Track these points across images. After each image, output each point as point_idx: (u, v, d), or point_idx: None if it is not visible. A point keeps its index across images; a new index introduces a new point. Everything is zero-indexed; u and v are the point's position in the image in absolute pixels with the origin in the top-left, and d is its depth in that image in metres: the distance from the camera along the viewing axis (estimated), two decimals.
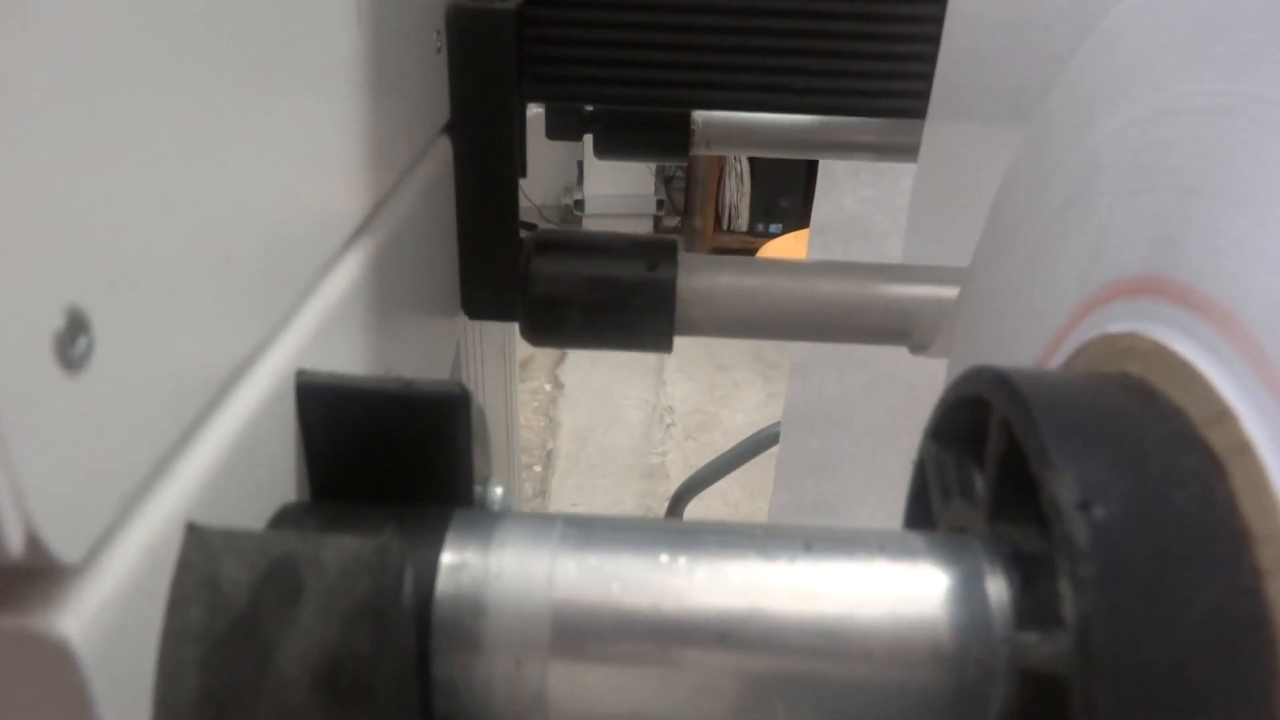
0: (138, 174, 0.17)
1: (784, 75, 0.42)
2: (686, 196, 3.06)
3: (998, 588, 0.21)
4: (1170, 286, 0.23)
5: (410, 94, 0.34)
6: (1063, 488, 0.18)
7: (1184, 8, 0.24)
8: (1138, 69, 0.26)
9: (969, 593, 0.21)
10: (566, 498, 1.97)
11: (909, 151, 0.60)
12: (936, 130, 0.41)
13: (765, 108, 0.43)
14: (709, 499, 1.52)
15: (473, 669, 0.22)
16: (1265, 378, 0.18)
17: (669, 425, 2.23)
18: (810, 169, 2.72)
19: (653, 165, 2.88)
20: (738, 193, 2.93)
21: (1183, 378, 0.21)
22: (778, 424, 1.02)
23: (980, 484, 0.24)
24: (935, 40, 0.40)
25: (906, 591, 0.21)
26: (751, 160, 2.88)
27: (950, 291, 0.42)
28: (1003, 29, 0.39)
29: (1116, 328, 0.24)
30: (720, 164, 2.89)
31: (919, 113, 0.42)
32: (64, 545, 0.15)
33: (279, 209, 0.23)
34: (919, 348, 0.44)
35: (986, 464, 0.23)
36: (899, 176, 0.79)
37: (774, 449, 1.04)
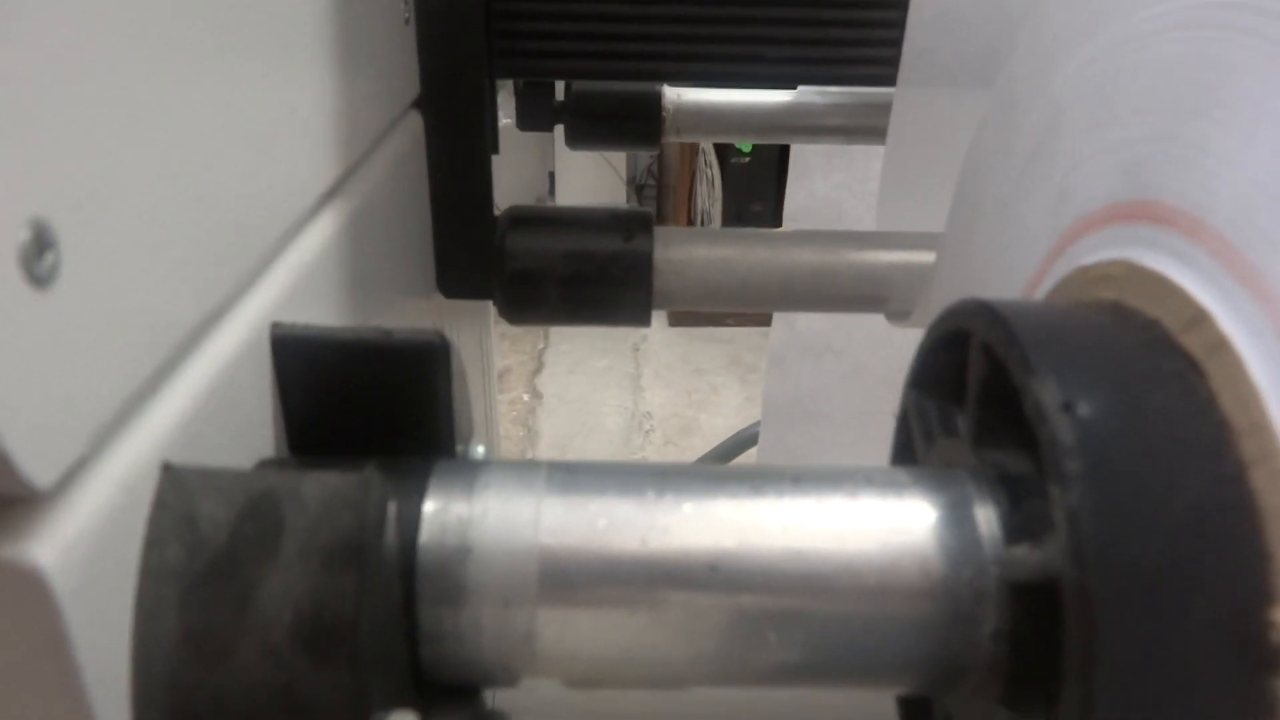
0: (108, 99, 0.16)
1: (755, 45, 0.42)
2: (659, 204, 3.06)
3: (986, 513, 0.21)
4: (1137, 208, 0.23)
5: (378, 64, 0.34)
6: (1045, 391, 0.18)
7: None
8: (1094, 6, 0.26)
9: (956, 518, 0.21)
10: None
11: (880, 134, 0.60)
12: (907, 96, 0.41)
13: (737, 80, 0.43)
14: None
15: (459, 615, 0.21)
16: (1238, 274, 0.19)
17: (648, 431, 2.23)
18: (780, 173, 2.73)
19: (624, 174, 2.88)
20: (709, 198, 2.94)
21: (1156, 290, 0.21)
22: (756, 424, 1.02)
23: (963, 422, 0.24)
24: (904, 6, 0.40)
25: (894, 520, 0.21)
26: (722, 166, 2.89)
27: (925, 256, 0.43)
28: None
29: (1090, 259, 0.24)
30: (691, 170, 2.90)
31: (889, 80, 0.42)
32: (36, 469, 0.15)
33: (248, 157, 0.23)
34: (896, 315, 0.44)
35: (968, 390, 0.23)
36: (870, 160, 0.80)
37: (753, 450, 1.04)
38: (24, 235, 0.14)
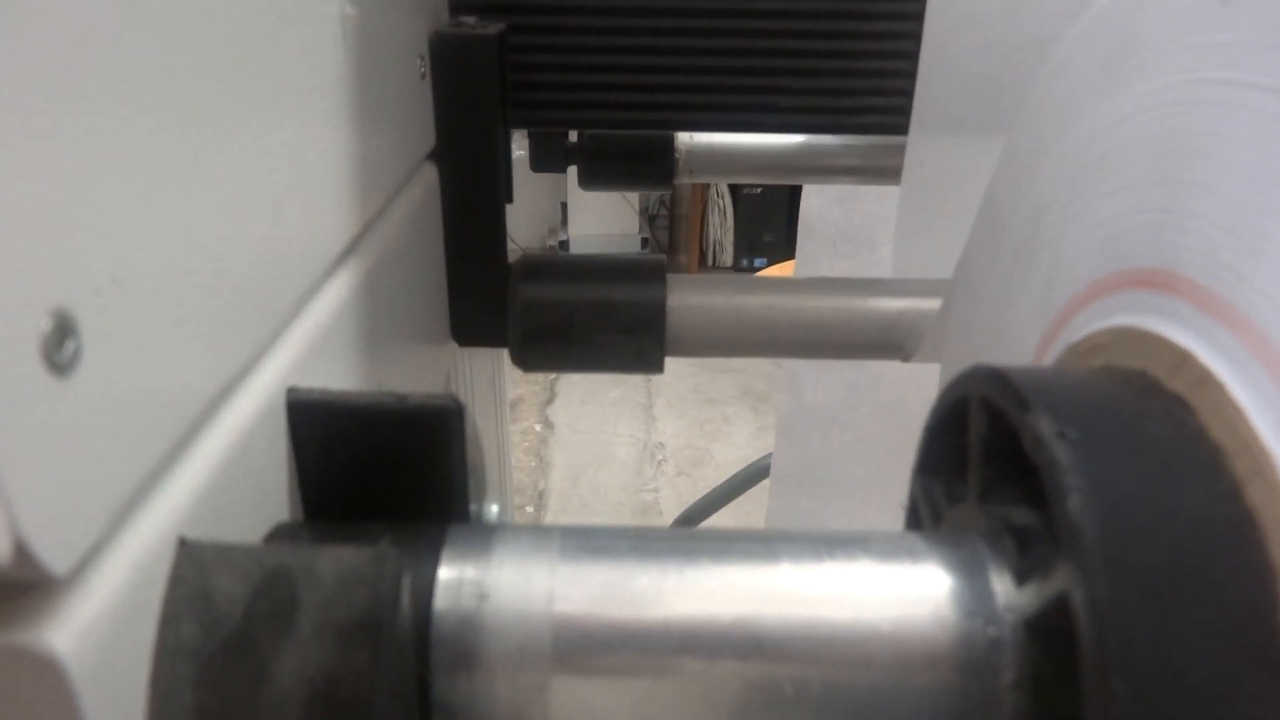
0: (126, 181, 0.17)
1: (766, 95, 0.42)
2: (671, 234, 3.07)
3: (996, 564, 0.21)
4: (1115, 279, 0.24)
5: (394, 120, 0.34)
6: (1041, 422, 0.19)
7: (1109, 30, 0.25)
8: (1062, 107, 0.28)
9: (968, 572, 0.21)
10: None
11: (891, 174, 0.61)
12: (919, 144, 0.41)
13: (749, 128, 0.43)
14: None
15: (473, 686, 0.21)
16: (1214, 313, 0.20)
17: (660, 462, 2.22)
18: (792, 204, 2.74)
19: (636, 204, 2.90)
20: (721, 228, 2.95)
21: (1140, 345, 0.22)
22: (768, 456, 1.01)
23: (969, 484, 0.24)
24: (914, 56, 0.40)
25: (909, 581, 0.21)
26: (734, 196, 2.90)
27: (938, 303, 0.42)
28: (980, 40, 0.39)
29: (1078, 335, 0.25)
30: (704, 200, 2.91)
31: (901, 129, 0.42)
32: (53, 556, 0.15)
33: (266, 225, 0.23)
34: (909, 358, 0.44)
35: (970, 449, 0.23)
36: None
37: (766, 482, 1.03)
38: (46, 325, 0.14)
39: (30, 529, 0.14)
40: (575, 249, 2.88)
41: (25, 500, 0.14)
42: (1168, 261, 0.22)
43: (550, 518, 2.02)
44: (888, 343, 0.42)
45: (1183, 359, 0.20)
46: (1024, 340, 0.28)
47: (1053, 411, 0.19)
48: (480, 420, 0.70)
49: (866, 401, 0.82)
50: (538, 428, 2.34)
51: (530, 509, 2.04)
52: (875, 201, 0.79)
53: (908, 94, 0.41)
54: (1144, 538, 0.18)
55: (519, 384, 2.45)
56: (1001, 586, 0.20)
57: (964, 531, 0.23)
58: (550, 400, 2.43)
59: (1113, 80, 0.25)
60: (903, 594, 0.21)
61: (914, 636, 0.20)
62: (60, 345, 0.15)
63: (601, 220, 2.87)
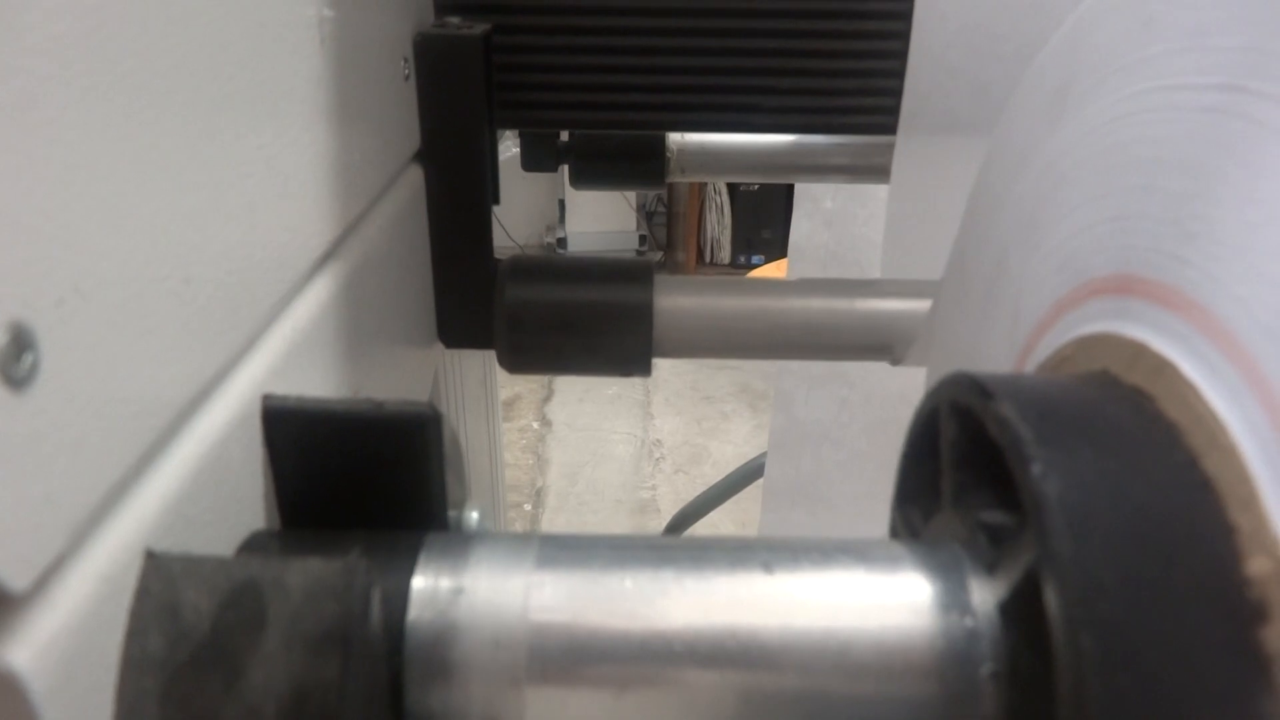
0: (92, 188, 0.16)
1: (755, 95, 0.42)
2: (668, 231, 3.07)
3: (972, 560, 0.21)
4: (1075, 294, 0.25)
5: (378, 121, 0.34)
6: (1004, 406, 0.20)
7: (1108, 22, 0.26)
8: (1018, 151, 0.29)
9: (944, 572, 0.21)
10: None
11: (881, 173, 0.60)
12: (908, 144, 0.41)
13: (738, 128, 0.43)
14: (699, 532, 1.51)
15: (448, 696, 0.21)
16: (1167, 304, 0.21)
17: (658, 459, 2.22)
18: (789, 201, 2.74)
19: (634, 201, 2.89)
20: (719, 225, 2.94)
21: (1099, 347, 0.23)
22: (764, 454, 1.01)
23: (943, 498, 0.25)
24: (902, 56, 0.40)
25: (886, 584, 0.21)
26: (731, 193, 2.90)
27: (928, 304, 0.42)
28: (968, 40, 0.39)
29: (1045, 354, 0.26)
30: (701, 197, 2.91)
31: (889, 129, 0.42)
32: (12, 571, 0.15)
33: (240, 230, 0.23)
34: (899, 360, 0.44)
35: (942, 457, 0.23)
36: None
37: (762, 481, 1.03)
38: (1, 339, 0.14)
39: None
40: (573, 246, 2.88)
41: None
42: (1119, 265, 0.23)
43: (548, 515, 2.02)
44: (877, 344, 0.42)
45: (1139, 351, 0.21)
46: (1015, 328, 0.29)
47: (1015, 399, 0.20)
48: (471, 421, 0.69)
49: (858, 419, 0.82)
50: (535, 425, 2.34)
51: (528, 507, 2.04)
52: (864, 225, 0.79)
53: (896, 94, 0.41)
54: (1107, 499, 0.18)
55: (516, 382, 2.44)
56: (975, 580, 0.21)
57: (940, 538, 0.23)
58: (548, 398, 2.43)
59: (1057, 119, 0.27)
60: (879, 593, 0.21)
61: (891, 635, 0.20)
62: (17, 359, 0.14)
63: (599, 218, 2.87)
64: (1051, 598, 0.18)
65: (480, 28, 0.38)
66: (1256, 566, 0.17)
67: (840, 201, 0.82)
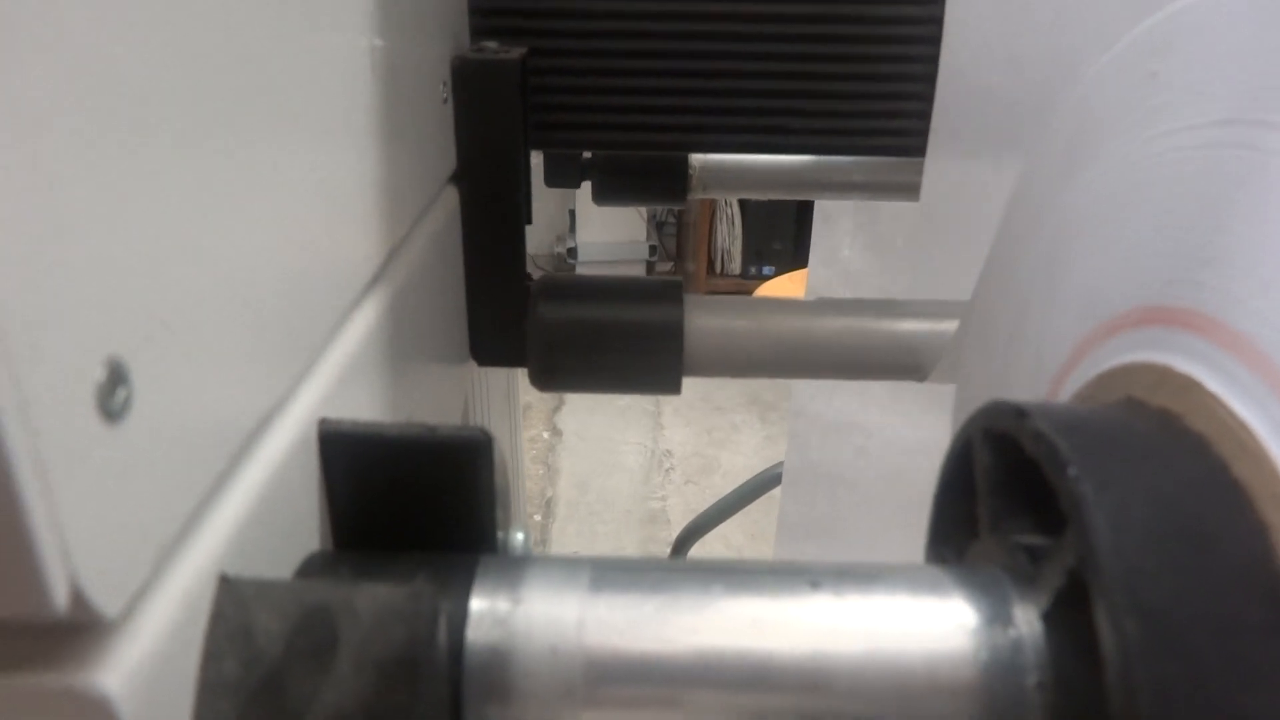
0: (173, 223, 0.17)
1: (780, 117, 0.42)
2: (679, 241, 3.08)
3: (1013, 578, 0.22)
4: (1096, 334, 0.26)
5: (420, 144, 0.34)
6: (1040, 422, 0.20)
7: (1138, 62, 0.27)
8: (1033, 208, 0.30)
9: (985, 591, 0.21)
10: (567, 545, 1.95)
11: (903, 190, 0.61)
12: (937, 166, 0.41)
13: (763, 149, 0.44)
14: (711, 543, 1.51)
15: (505, 714, 0.21)
16: (1188, 326, 0.22)
17: (668, 470, 2.22)
18: (800, 211, 2.74)
19: (645, 211, 2.90)
20: (729, 236, 2.95)
21: (1122, 378, 0.24)
22: (779, 465, 1.02)
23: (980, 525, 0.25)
24: (929, 79, 0.41)
25: (931, 606, 0.22)
26: (742, 204, 2.90)
27: (955, 325, 0.43)
28: (998, 62, 0.40)
29: (1071, 391, 0.27)
30: (711, 208, 2.91)
31: (916, 150, 0.42)
32: (105, 598, 0.15)
33: (299, 258, 0.23)
34: (925, 377, 0.44)
35: (978, 483, 0.24)
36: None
37: (776, 490, 1.03)
38: (100, 375, 0.15)
39: (85, 574, 0.14)
40: (583, 256, 2.88)
41: (81, 547, 0.14)
42: (1137, 300, 0.24)
43: (558, 525, 2.02)
44: (905, 364, 0.42)
45: (1163, 375, 0.22)
46: (1049, 358, 0.29)
47: (1049, 418, 0.21)
48: (496, 434, 0.70)
49: (874, 467, 0.83)
50: (545, 435, 2.34)
51: (538, 517, 2.04)
52: (881, 275, 0.79)
53: (922, 116, 0.41)
54: (1143, 498, 0.19)
55: (527, 391, 2.44)
56: (1017, 594, 0.21)
57: (980, 563, 0.23)
58: (558, 407, 2.43)
59: (1069, 173, 0.28)
60: (924, 613, 0.21)
61: (939, 653, 0.21)
62: (113, 393, 0.15)
63: (609, 228, 2.87)
64: (1094, 589, 0.18)
65: (517, 51, 0.38)
66: None
67: (856, 251, 0.82)
